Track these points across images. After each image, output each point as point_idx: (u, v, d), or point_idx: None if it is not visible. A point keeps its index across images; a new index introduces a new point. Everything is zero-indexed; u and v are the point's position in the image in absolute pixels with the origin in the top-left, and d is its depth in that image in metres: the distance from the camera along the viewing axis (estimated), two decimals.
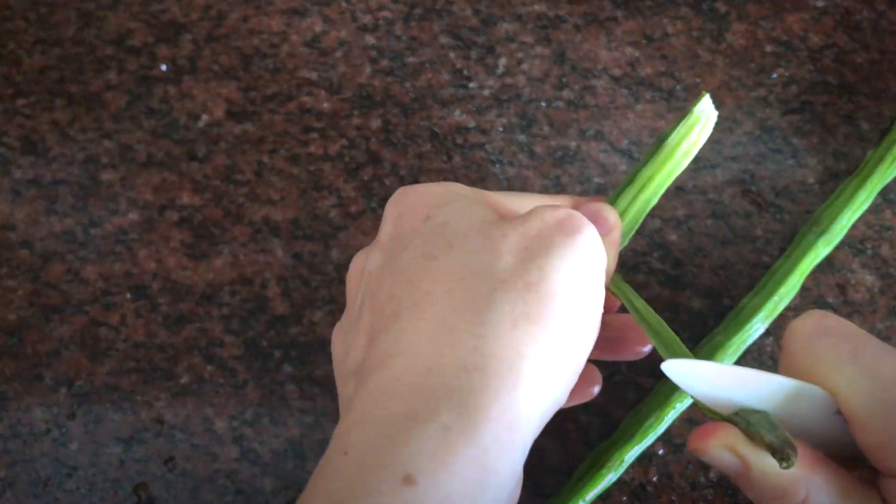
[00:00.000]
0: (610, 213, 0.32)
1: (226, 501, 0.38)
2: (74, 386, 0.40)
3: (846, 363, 0.24)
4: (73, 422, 0.39)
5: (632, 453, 0.36)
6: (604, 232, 0.31)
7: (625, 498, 0.37)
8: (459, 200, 0.30)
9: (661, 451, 0.37)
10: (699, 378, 0.26)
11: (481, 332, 0.26)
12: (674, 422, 0.37)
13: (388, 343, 0.27)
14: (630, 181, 0.35)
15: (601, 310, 0.29)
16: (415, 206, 0.30)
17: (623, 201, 0.35)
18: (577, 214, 0.29)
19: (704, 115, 0.34)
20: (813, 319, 0.26)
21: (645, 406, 0.37)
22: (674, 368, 0.26)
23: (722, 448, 0.25)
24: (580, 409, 0.38)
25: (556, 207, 0.29)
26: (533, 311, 0.26)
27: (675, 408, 0.36)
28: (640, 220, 0.35)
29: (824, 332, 0.25)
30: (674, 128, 0.35)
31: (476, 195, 0.31)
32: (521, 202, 0.32)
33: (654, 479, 0.37)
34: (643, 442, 0.36)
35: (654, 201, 0.35)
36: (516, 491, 0.28)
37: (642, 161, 0.35)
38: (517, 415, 0.25)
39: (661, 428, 0.36)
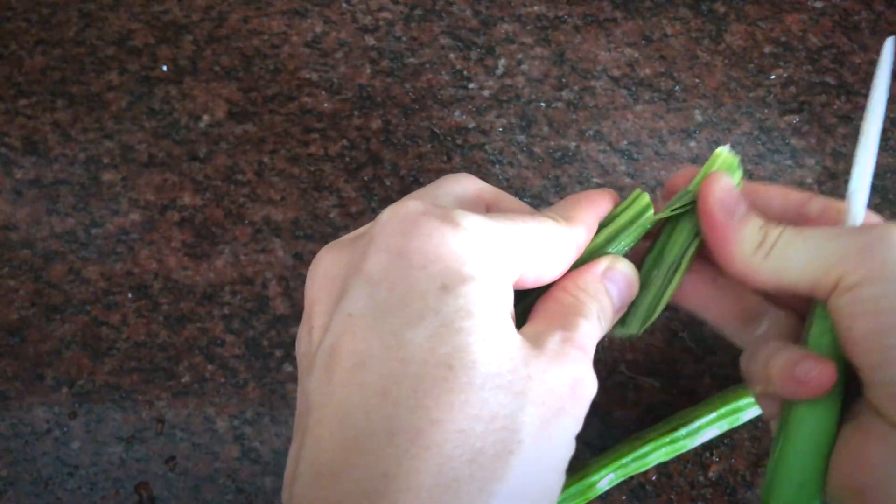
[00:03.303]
0: (635, 283, 0.30)
1: (226, 500, 0.38)
2: (76, 385, 0.40)
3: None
4: (74, 421, 0.39)
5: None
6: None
7: (624, 497, 0.37)
8: (486, 280, 0.24)
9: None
10: None
11: (487, 490, 0.22)
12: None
13: (367, 472, 0.22)
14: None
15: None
16: (428, 256, 0.24)
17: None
18: (589, 376, 0.26)
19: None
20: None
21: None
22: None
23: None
24: None
25: (573, 357, 0.25)
26: (532, 488, 0.24)
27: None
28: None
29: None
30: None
31: (498, 266, 0.25)
32: (540, 245, 0.27)
33: (654, 478, 0.37)
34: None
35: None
36: None
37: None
38: None
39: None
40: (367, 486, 0.22)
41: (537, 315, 0.27)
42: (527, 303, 0.28)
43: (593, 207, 0.29)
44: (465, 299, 0.24)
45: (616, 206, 0.30)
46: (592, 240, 0.29)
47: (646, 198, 0.30)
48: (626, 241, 0.30)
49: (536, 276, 0.27)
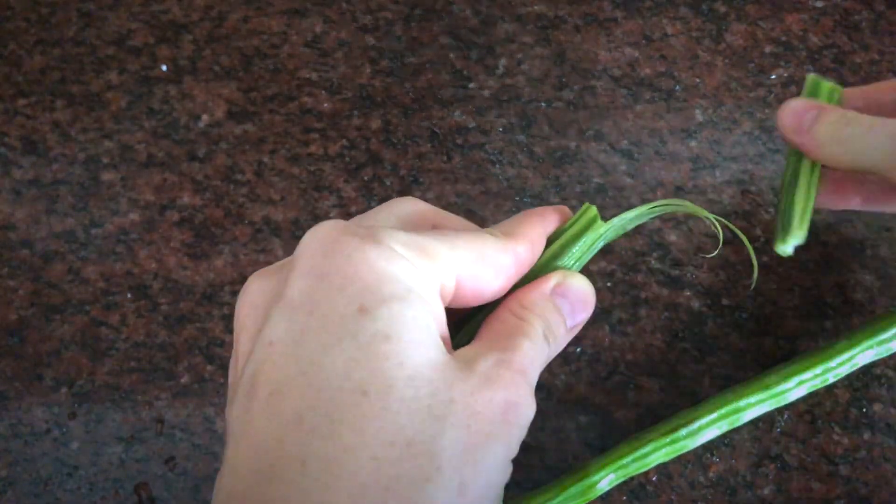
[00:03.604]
0: (590, 299, 0.29)
1: None
2: (75, 385, 0.40)
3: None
4: (73, 421, 0.39)
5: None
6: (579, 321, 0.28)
7: (624, 497, 0.37)
8: (408, 301, 0.24)
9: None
10: None
11: None
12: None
13: (283, 488, 0.22)
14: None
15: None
16: (347, 278, 0.24)
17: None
18: (525, 400, 0.25)
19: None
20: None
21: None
22: None
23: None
24: (580, 410, 0.38)
25: (507, 380, 0.24)
26: None
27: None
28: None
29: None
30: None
31: (426, 285, 0.25)
32: (478, 261, 0.26)
33: (654, 478, 0.37)
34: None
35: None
36: None
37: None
38: None
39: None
40: None
41: (480, 336, 0.26)
42: (474, 323, 0.28)
43: (539, 223, 0.29)
44: (382, 322, 0.23)
45: (566, 221, 0.30)
46: (541, 257, 0.29)
47: (593, 210, 0.29)
48: (577, 254, 0.29)
49: (474, 292, 0.26)
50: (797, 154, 0.35)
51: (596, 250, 0.30)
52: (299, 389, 0.23)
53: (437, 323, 0.25)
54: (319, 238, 0.25)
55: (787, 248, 0.34)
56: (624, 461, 0.36)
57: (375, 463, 0.22)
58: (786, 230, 0.34)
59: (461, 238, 0.26)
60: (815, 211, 0.42)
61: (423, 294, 0.24)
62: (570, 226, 0.29)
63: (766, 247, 0.41)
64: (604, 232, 0.29)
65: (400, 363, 0.23)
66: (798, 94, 0.45)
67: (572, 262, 0.29)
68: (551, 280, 0.28)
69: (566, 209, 0.30)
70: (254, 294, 0.26)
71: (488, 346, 0.25)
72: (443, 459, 0.22)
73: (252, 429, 0.23)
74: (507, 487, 0.36)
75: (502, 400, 0.24)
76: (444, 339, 0.25)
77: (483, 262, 0.26)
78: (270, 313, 0.24)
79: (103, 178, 0.44)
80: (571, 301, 0.28)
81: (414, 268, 0.24)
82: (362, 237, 0.24)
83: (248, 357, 0.25)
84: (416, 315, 0.24)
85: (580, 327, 0.28)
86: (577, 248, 0.29)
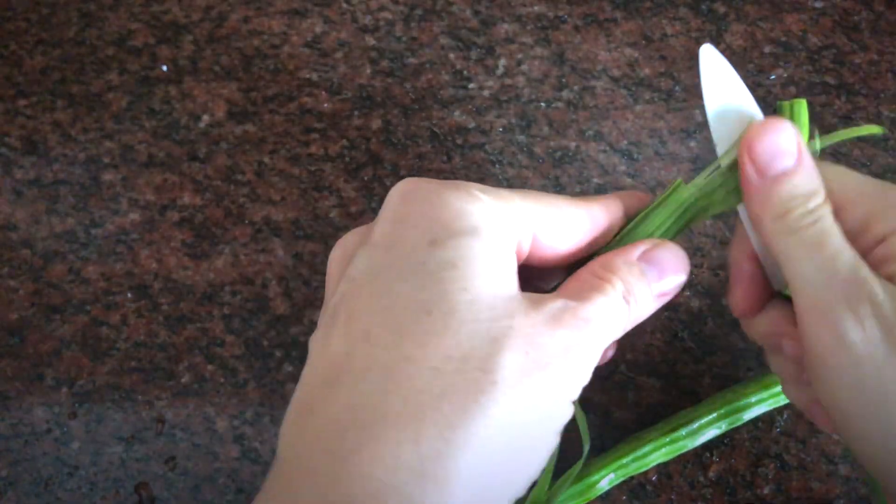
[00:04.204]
0: (682, 263, 0.29)
1: (227, 500, 0.38)
2: (76, 385, 0.40)
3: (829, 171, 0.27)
4: (74, 421, 0.39)
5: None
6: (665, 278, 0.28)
7: (624, 497, 0.37)
8: (477, 235, 0.25)
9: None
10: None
11: (454, 438, 0.23)
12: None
13: (339, 406, 0.24)
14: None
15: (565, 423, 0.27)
16: (422, 215, 0.26)
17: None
18: (587, 347, 0.25)
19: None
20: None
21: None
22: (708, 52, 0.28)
23: (789, 135, 0.27)
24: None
25: (570, 324, 0.25)
26: (509, 434, 0.24)
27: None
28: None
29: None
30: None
31: (499, 225, 0.26)
32: (554, 216, 0.28)
33: (654, 478, 0.37)
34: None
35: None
36: None
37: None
38: None
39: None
40: (338, 417, 0.23)
41: (557, 291, 0.27)
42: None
43: (615, 196, 0.30)
44: (451, 252, 0.25)
45: (645, 204, 0.30)
46: (627, 228, 0.29)
47: (678, 181, 0.29)
48: (661, 221, 0.29)
49: (551, 246, 0.28)
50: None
51: (685, 220, 0.29)
52: (370, 311, 0.25)
53: (509, 259, 0.26)
54: (400, 188, 0.27)
55: None
56: (624, 460, 0.36)
57: (434, 372, 0.23)
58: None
59: (537, 194, 0.28)
60: None
61: (495, 231, 0.26)
62: (658, 198, 0.30)
63: None
64: (688, 196, 0.29)
65: (464, 288, 0.24)
66: (798, 94, 0.45)
67: (659, 230, 0.29)
68: (639, 246, 0.28)
69: (644, 194, 0.31)
70: (344, 244, 0.28)
71: (561, 296, 0.26)
72: (497, 375, 0.23)
73: (328, 350, 0.25)
74: None
75: (565, 339, 0.25)
76: (513, 276, 0.26)
77: (557, 215, 0.28)
78: (355, 255, 0.27)
79: (104, 178, 0.44)
80: (660, 267, 0.28)
81: (488, 208, 0.26)
82: (441, 183, 0.26)
83: (332, 295, 0.27)
84: (485, 248, 0.25)
85: (671, 294, 0.29)
86: (660, 214, 0.29)
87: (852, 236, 0.26)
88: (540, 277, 0.30)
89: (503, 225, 0.26)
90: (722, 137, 0.29)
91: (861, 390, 0.25)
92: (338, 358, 0.25)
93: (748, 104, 0.29)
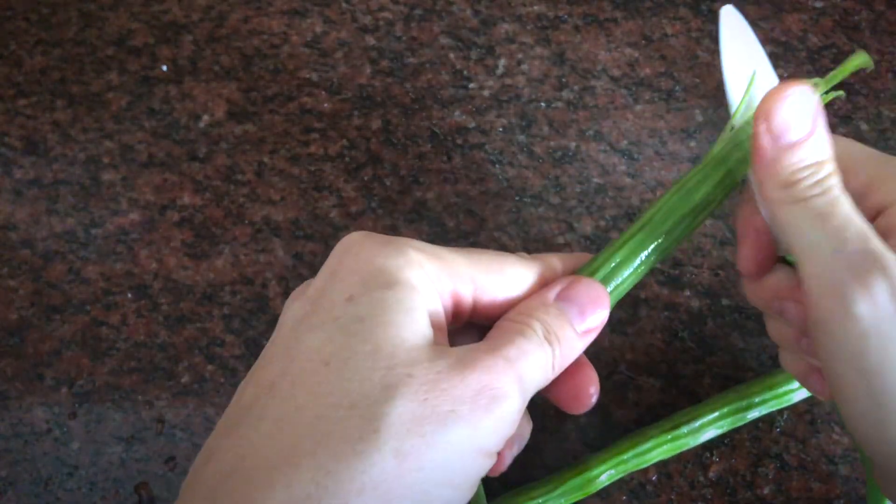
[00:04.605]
0: (601, 298, 0.28)
1: None
2: (75, 385, 0.40)
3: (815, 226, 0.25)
4: (74, 421, 0.39)
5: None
6: (592, 328, 0.28)
7: (624, 497, 0.37)
8: (393, 288, 0.25)
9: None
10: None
11: (325, 483, 0.23)
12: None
13: (231, 455, 0.24)
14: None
15: (481, 475, 0.26)
16: (349, 271, 0.26)
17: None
18: (504, 387, 0.25)
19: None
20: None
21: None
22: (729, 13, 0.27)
23: (809, 101, 0.26)
24: None
25: (487, 364, 0.25)
26: (395, 482, 0.23)
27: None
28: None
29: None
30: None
31: (425, 280, 0.26)
32: (497, 270, 0.28)
33: (654, 478, 0.37)
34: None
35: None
36: None
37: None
38: None
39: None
40: (225, 466, 0.24)
41: (480, 342, 0.27)
42: None
43: (559, 257, 0.30)
44: (363, 307, 0.25)
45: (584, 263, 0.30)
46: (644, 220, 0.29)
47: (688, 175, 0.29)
48: (673, 206, 0.29)
49: (493, 303, 0.28)
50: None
51: (695, 208, 0.29)
52: (279, 362, 0.25)
53: (425, 314, 0.26)
54: (342, 243, 0.27)
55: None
56: (624, 457, 0.36)
57: (319, 420, 0.24)
58: None
59: (483, 253, 0.28)
60: None
61: (413, 285, 0.26)
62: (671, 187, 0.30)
63: None
64: (701, 168, 0.29)
65: (364, 339, 0.25)
66: None
67: (671, 218, 0.29)
68: (555, 287, 0.28)
69: (587, 255, 0.31)
70: (296, 293, 0.28)
71: (479, 344, 0.26)
72: (381, 423, 0.23)
73: (240, 397, 0.26)
74: (508, 485, 0.36)
75: (476, 382, 0.24)
76: (437, 329, 0.26)
77: (501, 273, 0.28)
78: (289, 306, 0.27)
79: (103, 178, 0.44)
80: (579, 304, 0.28)
81: (412, 264, 0.26)
82: (379, 239, 0.27)
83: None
84: (399, 299, 0.25)
85: (596, 331, 0.28)
86: (670, 199, 0.29)
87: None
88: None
89: (428, 280, 0.26)
90: (737, 100, 0.29)
91: (862, 361, 0.24)
92: (242, 408, 0.25)
93: (766, 68, 0.29)
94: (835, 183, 0.26)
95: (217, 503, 0.23)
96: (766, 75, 0.29)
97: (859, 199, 0.26)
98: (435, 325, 0.26)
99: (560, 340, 0.27)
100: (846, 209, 0.25)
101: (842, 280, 0.24)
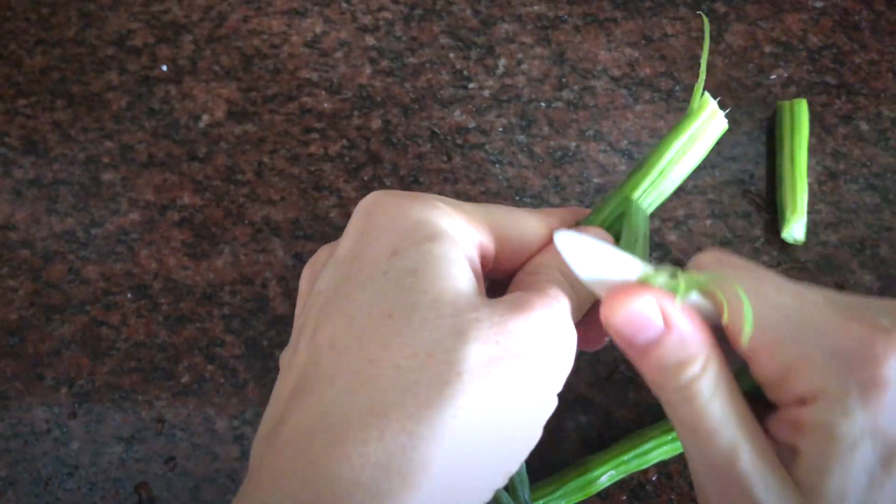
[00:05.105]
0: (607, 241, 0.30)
1: (227, 500, 0.38)
2: (75, 385, 0.40)
3: (749, 295, 0.25)
4: (74, 421, 0.39)
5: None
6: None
7: (624, 497, 0.37)
8: (437, 240, 0.26)
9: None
10: (588, 255, 0.26)
11: (419, 431, 0.23)
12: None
13: (308, 414, 0.24)
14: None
15: (548, 414, 0.26)
16: (384, 228, 0.26)
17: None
18: (560, 319, 0.26)
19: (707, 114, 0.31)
20: (713, 254, 0.27)
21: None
22: (565, 239, 0.26)
23: (645, 302, 0.25)
24: (580, 409, 0.38)
25: (533, 302, 0.25)
26: (479, 426, 0.24)
27: None
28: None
29: (727, 265, 0.26)
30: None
31: (460, 231, 0.27)
32: (513, 223, 0.29)
33: (654, 478, 0.37)
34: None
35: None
36: None
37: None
38: None
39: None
40: (307, 425, 0.24)
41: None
42: None
43: (573, 208, 0.32)
44: (411, 259, 0.25)
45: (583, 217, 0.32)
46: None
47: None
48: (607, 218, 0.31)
49: (512, 253, 0.29)
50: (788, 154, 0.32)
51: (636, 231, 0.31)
52: (334, 320, 0.25)
53: (470, 262, 0.27)
54: (365, 202, 0.28)
55: (790, 234, 0.40)
56: (625, 457, 0.36)
57: (397, 370, 0.24)
58: (783, 217, 0.40)
59: (498, 207, 0.29)
60: (816, 211, 0.42)
61: (454, 236, 0.26)
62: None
63: (766, 247, 0.41)
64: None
65: (424, 290, 0.25)
66: (798, 94, 0.45)
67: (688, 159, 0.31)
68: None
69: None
70: (314, 262, 0.29)
71: (522, 292, 0.27)
72: (462, 366, 0.24)
73: (295, 360, 0.26)
74: (507, 486, 0.35)
75: (537, 321, 0.25)
76: (477, 278, 0.27)
77: (517, 224, 0.29)
78: (322, 270, 0.28)
79: (103, 178, 0.44)
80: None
81: (447, 215, 0.27)
82: (403, 194, 0.27)
83: (301, 311, 0.28)
84: (445, 251, 0.26)
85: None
86: (608, 209, 0.31)
87: (769, 387, 0.25)
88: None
89: (462, 230, 0.27)
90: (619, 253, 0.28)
91: None
92: (306, 368, 0.25)
93: (623, 267, 0.26)
94: (702, 386, 0.24)
95: (309, 459, 0.23)
96: (625, 273, 0.26)
97: (777, 385, 0.25)
98: (475, 275, 0.27)
99: (575, 284, 0.28)
100: (713, 420, 0.24)
101: (710, 499, 0.24)
